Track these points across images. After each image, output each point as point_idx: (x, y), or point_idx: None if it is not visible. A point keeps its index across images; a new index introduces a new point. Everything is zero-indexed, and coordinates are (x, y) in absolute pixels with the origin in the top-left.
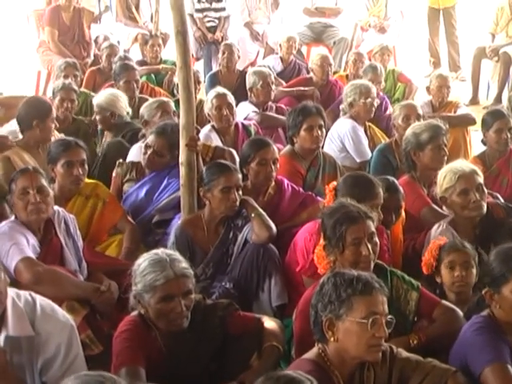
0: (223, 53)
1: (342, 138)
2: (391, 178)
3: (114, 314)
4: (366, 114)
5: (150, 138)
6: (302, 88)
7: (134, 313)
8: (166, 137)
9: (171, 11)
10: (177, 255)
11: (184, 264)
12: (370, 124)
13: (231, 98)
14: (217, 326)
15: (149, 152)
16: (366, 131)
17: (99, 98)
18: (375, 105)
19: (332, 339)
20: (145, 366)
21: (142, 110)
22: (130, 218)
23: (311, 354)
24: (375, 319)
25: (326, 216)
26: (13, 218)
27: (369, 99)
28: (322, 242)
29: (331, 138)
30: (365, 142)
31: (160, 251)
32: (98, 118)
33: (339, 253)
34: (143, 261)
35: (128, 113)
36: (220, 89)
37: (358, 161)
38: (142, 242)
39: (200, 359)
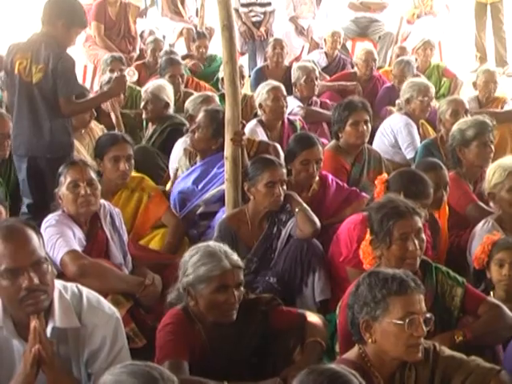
0: (274, 48)
1: (395, 133)
2: (433, 159)
3: (158, 308)
4: (421, 113)
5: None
6: (344, 83)
7: (178, 306)
8: (208, 112)
9: (217, 5)
10: (227, 248)
11: (236, 256)
12: (423, 121)
13: (285, 91)
14: (259, 320)
15: (193, 126)
16: (418, 128)
17: (147, 85)
18: (432, 105)
19: (370, 341)
20: (188, 360)
21: (187, 104)
22: (174, 212)
23: (351, 354)
24: (412, 319)
25: (374, 211)
26: (60, 211)
27: (426, 98)
28: (368, 236)
29: (383, 133)
30: (417, 138)
31: (211, 243)
32: (142, 104)
33: (386, 248)
34: (195, 252)
35: (168, 104)
36: (273, 81)
37: (408, 157)
38: (186, 235)
39: (242, 353)
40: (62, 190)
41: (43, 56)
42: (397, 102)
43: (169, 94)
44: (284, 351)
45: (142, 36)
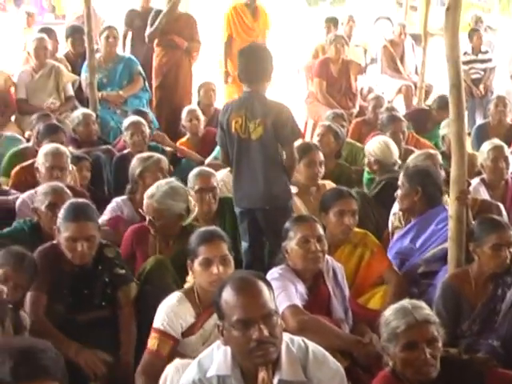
0: (496, 106)
1: None
2: None
3: (376, 368)
4: None
5: None
6: None
7: (387, 368)
8: (408, 169)
9: (446, 64)
10: (420, 303)
11: (427, 311)
12: None
13: (508, 151)
14: (474, 381)
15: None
16: None
17: (369, 143)
18: None
19: None
20: None
21: (409, 161)
22: (396, 269)
23: None
24: None
25: None
26: (284, 264)
27: None
28: None
29: None
30: None
31: (405, 301)
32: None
33: None
34: (388, 311)
35: (395, 162)
36: (497, 140)
37: None
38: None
39: None
40: (291, 245)
41: (259, 112)
42: None
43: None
44: None
45: (361, 93)
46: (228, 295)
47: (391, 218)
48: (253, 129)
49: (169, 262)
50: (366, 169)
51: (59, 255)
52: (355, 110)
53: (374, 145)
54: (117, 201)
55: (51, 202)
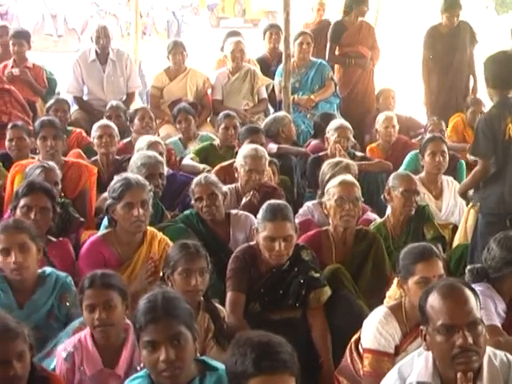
0: None
1: None
2: None
3: None
4: None
5: None
6: None
7: None
8: None
9: None
10: None
11: None
12: None
13: None
14: None
15: None
16: None
17: None
18: None
19: None
20: None
21: None
22: None
23: None
24: None
25: None
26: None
27: None
28: None
29: None
30: None
31: None
32: None
33: None
34: None
35: None
36: None
37: None
38: None
39: None
40: None
41: None
42: None
43: None
44: None
45: None
46: (434, 300)
47: None
48: None
49: (343, 269)
50: None
51: (257, 256)
52: None
53: None
54: (308, 205)
55: (198, 196)
